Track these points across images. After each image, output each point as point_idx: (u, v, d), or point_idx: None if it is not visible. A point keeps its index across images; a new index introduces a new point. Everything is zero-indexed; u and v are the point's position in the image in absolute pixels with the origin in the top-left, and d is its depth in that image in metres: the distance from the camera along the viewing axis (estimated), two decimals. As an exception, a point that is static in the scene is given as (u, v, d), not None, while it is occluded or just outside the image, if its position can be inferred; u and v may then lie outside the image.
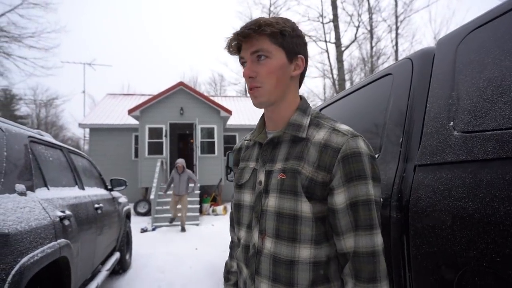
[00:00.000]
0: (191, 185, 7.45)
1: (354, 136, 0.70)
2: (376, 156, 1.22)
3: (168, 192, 7.70)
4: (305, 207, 0.69)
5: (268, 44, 0.71)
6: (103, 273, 2.73)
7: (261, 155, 0.79)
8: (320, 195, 0.70)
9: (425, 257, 0.87)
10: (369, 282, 0.64)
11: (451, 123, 0.91)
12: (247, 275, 0.78)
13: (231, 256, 0.99)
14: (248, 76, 0.73)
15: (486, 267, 0.69)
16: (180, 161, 7.39)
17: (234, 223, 0.88)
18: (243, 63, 0.76)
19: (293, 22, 0.76)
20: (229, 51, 0.77)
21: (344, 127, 0.73)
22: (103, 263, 2.99)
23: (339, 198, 0.67)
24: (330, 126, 0.73)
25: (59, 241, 1.62)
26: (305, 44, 0.78)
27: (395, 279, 0.99)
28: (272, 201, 0.73)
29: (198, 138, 10.77)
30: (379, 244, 0.66)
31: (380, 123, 1.29)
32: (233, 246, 0.98)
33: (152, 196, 8.31)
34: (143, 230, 7.19)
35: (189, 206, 8.67)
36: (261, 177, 0.77)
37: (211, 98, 12.54)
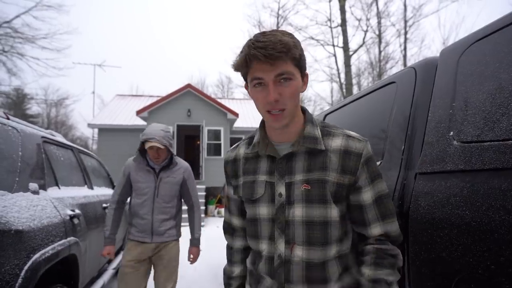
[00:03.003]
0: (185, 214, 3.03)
1: (366, 140, 0.79)
2: (379, 163, 1.25)
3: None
4: (334, 212, 0.76)
5: (292, 66, 0.72)
6: (110, 271, 2.78)
7: (277, 168, 0.80)
8: (345, 196, 0.78)
9: (423, 263, 0.89)
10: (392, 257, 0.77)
11: (451, 132, 0.93)
12: (273, 285, 0.80)
13: (230, 262, 1.00)
14: (275, 100, 0.71)
15: (481, 274, 0.71)
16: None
17: (250, 237, 0.88)
18: (257, 84, 0.73)
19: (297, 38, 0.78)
20: (243, 70, 0.75)
21: (353, 133, 0.81)
22: (109, 261, 3.04)
23: (367, 195, 0.77)
24: (342, 133, 0.80)
25: (68, 239, 1.67)
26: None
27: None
28: (298, 211, 0.76)
29: (204, 140, 10.84)
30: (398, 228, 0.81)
31: (383, 130, 1.31)
32: (232, 253, 1.00)
33: (158, 197, 8.38)
34: (149, 230, 7.24)
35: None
36: (281, 189, 0.79)
37: (218, 100, 12.64)
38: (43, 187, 1.68)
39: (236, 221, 0.98)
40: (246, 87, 0.81)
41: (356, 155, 0.76)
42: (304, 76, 0.78)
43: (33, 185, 1.55)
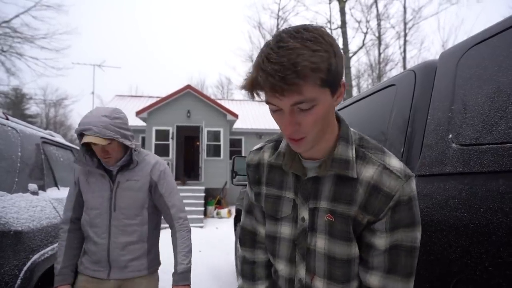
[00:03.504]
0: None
1: (408, 178, 0.63)
2: (378, 165, 1.25)
3: None
4: (357, 250, 0.68)
5: (315, 90, 0.55)
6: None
7: (301, 190, 0.72)
8: (359, 231, 0.67)
9: (422, 265, 0.89)
10: None
11: (450, 135, 0.94)
12: None
13: (252, 279, 0.90)
14: (292, 132, 0.59)
15: (479, 276, 0.71)
16: None
17: (269, 253, 0.83)
18: (272, 109, 0.61)
19: (332, 37, 0.58)
20: (252, 94, 0.60)
21: (396, 163, 0.65)
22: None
23: (380, 242, 0.64)
24: (379, 162, 0.65)
25: (68, 239, 1.67)
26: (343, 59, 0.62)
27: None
28: (321, 243, 0.70)
29: (204, 141, 10.85)
30: None
31: (383, 133, 1.32)
32: (254, 268, 0.90)
33: (157, 198, 8.38)
34: (148, 231, 7.24)
35: (193, 208, 8.73)
36: (304, 213, 0.72)
37: (218, 101, 12.64)
38: (43, 187, 1.68)
39: (262, 230, 0.87)
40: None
41: (385, 196, 0.62)
42: (338, 89, 0.61)
43: (33, 186, 1.55)
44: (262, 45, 0.60)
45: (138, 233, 1.37)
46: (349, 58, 14.15)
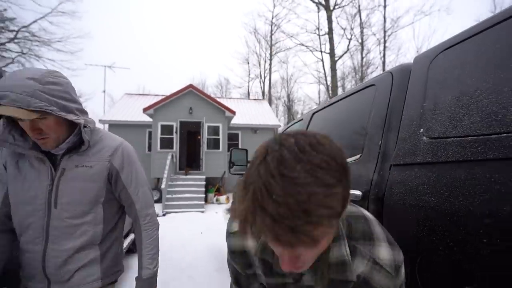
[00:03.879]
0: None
1: (397, 270, 0.54)
2: (359, 156, 1.27)
3: None
4: None
5: (322, 233, 0.39)
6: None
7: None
8: None
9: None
10: None
11: (422, 129, 0.96)
12: None
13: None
14: (290, 268, 0.45)
15: (442, 251, 0.74)
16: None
17: None
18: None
19: (343, 155, 0.41)
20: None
21: (385, 255, 0.54)
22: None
23: None
24: (369, 256, 0.54)
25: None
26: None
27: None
28: None
29: (205, 135, 10.81)
30: None
31: (364, 128, 1.33)
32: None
33: (163, 186, 8.37)
34: (155, 215, 7.25)
35: (195, 195, 8.75)
36: None
37: (217, 99, 12.58)
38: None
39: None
40: None
41: None
42: (345, 203, 0.42)
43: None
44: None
45: (88, 236, 0.94)
46: (335, 62, 14.12)
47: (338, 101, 1.80)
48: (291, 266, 0.44)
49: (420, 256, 0.81)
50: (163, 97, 11.63)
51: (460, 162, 0.75)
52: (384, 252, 0.55)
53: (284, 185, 0.36)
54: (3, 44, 14.85)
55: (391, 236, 0.60)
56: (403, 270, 0.55)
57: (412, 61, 1.21)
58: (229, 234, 0.65)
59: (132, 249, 3.85)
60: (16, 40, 15.09)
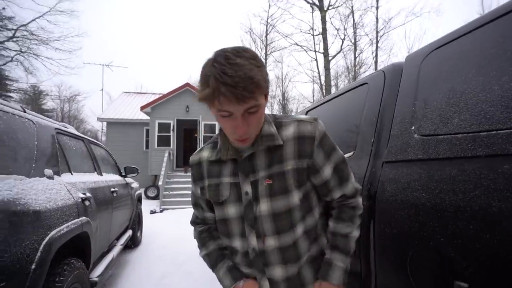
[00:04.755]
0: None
1: (316, 120, 0.74)
2: (352, 153, 1.27)
3: None
4: (296, 198, 0.72)
5: (261, 97, 0.64)
6: (118, 247, 2.77)
7: (241, 170, 0.74)
8: (306, 177, 0.74)
9: (387, 238, 0.92)
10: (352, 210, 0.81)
11: (413, 127, 0.96)
12: (253, 272, 0.77)
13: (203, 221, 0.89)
14: (244, 132, 0.65)
15: (432, 246, 0.74)
16: None
17: (222, 235, 0.82)
18: (223, 115, 0.64)
19: (258, 55, 0.66)
20: (209, 104, 0.64)
21: (303, 116, 0.76)
22: (118, 238, 3.02)
23: (327, 171, 0.75)
24: (293, 121, 0.75)
25: (81, 218, 1.65)
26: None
27: (363, 256, 1.04)
28: (264, 206, 0.72)
29: (201, 133, 10.75)
30: (358, 186, 0.81)
31: (356, 125, 1.33)
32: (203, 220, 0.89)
33: (160, 183, 8.32)
34: (152, 212, 7.22)
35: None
36: (247, 188, 0.73)
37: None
38: (57, 173, 1.64)
39: (209, 215, 0.87)
40: (210, 107, 0.68)
41: (310, 139, 0.72)
42: (267, 93, 0.69)
43: (48, 171, 1.52)
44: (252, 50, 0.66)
45: None
46: (328, 61, 14.12)
47: (331, 99, 1.80)
48: (245, 130, 0.64)
49: (411, 252, 0.82)
50: (160, 95, 11.52)
51: (451, 159, 0.75)
52: (302, 115, 0.77)
53: (234, 68, 0.58)
54: (2, 42, 14.56)
55: None
56: (321, 122, 0.75)
57: (404, 61, 1.21)
58: (192, 155, 0.86)
59: (130, 245, 3.82)
60: (14, 39, 14.79)
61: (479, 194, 0.65)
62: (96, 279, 1.96)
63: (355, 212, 0.80)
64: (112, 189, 2.65)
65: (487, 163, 0.65)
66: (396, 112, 1.08)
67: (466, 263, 0.66)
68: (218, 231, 0.83)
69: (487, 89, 0.73)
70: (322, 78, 15.77)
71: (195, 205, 0.89)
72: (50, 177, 1.52)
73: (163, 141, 10.57)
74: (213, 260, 0.83)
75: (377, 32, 17.10)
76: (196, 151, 0.87)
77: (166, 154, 9.49)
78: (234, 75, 0.57)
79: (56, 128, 1.86)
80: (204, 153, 0.83)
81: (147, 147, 11.94)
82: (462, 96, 0.80)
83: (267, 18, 18.60)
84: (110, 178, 2.87)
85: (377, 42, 17.24)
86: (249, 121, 0.65)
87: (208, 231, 0.87)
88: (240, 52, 0.61)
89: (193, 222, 0.92)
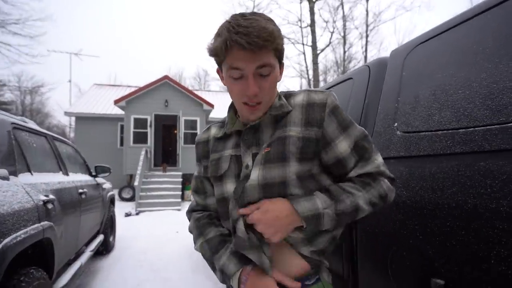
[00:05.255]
0: None
1: (330, 91, 0.69)
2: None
3: None
4: (293, 169, 0.63)
5: (273, 58, 0.62)
6: (87, 253, 2.68)
7: (243, 141, 0.70)
8: (314, 152, 0.65)
9: (369, 236, 0.95)
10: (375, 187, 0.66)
11: (396, 124, 0.99)
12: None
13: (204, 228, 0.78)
14: (254, 94, 0.62)
15: (412, 244, 0.77)
16: None
17: (222, 219, 0.76)
18: (235, 74, 0.62)
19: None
20: (221, 57, 0.62)
21: (316, 89, 0.72)
22: (87, 244, 2.93)
23: (342, 145, 0.65)
24: (304, 91, 0.71)
25: (42, 223, 1.58)
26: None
27: (346, 253, 1.07)
28: (254, 175, 0.64)
29: (181, 129, 10.60)
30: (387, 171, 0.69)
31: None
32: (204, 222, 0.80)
33: (136, 183, 8.14)
34: (127, 215, 7.05)
35: (172, 192, 8.59)
36: (248, 160, 0.67)
37: (195, 92, 12.35)
38: (14, 173, 1.56)
39: (211, 201, 0.80)
40: (219, 71, 0.69)
41: (320, 106, 0.66)
42: (281, 66, 0.68)
43: (2, 171, 1.44)
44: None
45: None
46: (317, 55, 14.29)
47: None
48: (256, 90, 0.61)
49: (391, 251, 0.84)
50: (137, 88, 11.23)
51: (430, 156, 0.78)
52: (315, 89, 0.73)
53: (247, 21, 0.59)
54: None
55: None
56: (334, 96, 0.69)
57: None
58: (198, 134, 0.85)
59: (101, 251, 3.72)
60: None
61: (456, 191, 0.67)
62: (60, 289, 1.89)
63: (375, 185, 0.65)
64: (80, 190, 2.55)
65: (464, 160, 0.68)
66: (380, 108, 1.11)
67: (443, 260, 0.69)
68: (219, 214, 0.76)
69: (466, 86, 0.76)
70: (310, 72, 15.96)
71: (196, 191, 0.84)
72: (5, 178, 1.44)
73: (140, 138, 10.33)
74: (213, 246, 0.72)
75: (367, 26, 17.49)
76: (204, 130, 0.85)
77: (143, 152, 9.28)
78: (248, 26, 0.58)
79: (13, 123, 1.77)
80: (212, 131, 0.82)
81: (121, 144, 11.62)
82: (443, 93, 0.83)
83: (253, 8, 18.53)
84: (78, 178, 2.77)
85: (367, 36, 17.63)
86: (260, 84, 0.62)
87: (209, 217, 0.79)
88: (256, 13, 0.63)
89: (190, 211, 0.86)
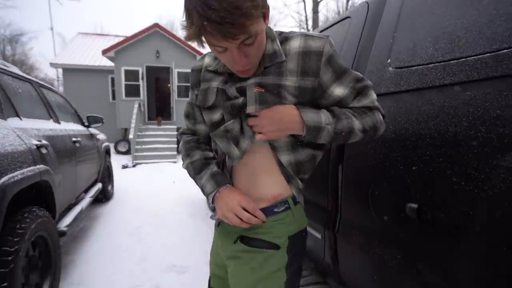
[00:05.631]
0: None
1: (327, 37, 0.67)
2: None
3: None
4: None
5: (256, 24, 0.56)
6: (87, 199, 2.80)
7: (232, 79, 0.70)
8: (308, 101, 0.67)
9: (352, 173, 0.99)
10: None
11: (389, 60, 0.96)
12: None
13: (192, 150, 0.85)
14: (242, 66, 0.61)
15: (392, 175, 0.81)
16: None
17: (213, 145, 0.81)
18: (218, 51, 0.60)
19: None
20: (198, 41, 0.58)
21: (313, 32, 0.69)
22: (86, 191, 3.04)
23: (338, 90, 0.66)
24: (300, 34, 0.68)
25: (38, 166, 1.61)
26: None
27: (331, 188, 1.13)
28: (251, 109, 0.66)
29: (175, 82, 10.32)
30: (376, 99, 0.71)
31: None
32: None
33: (131, 136, 8.17)
34: (124, 167, 7.21)
35: (167, 145, 8.69)
36: (233, 92, 0.69)
37: (188, 42, 11.71)
38: (2, 117, 1.55)
39: (200, 127, 0.86)
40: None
41: (317, 54, 0.64)
42: (267, 12, 0.61)
43: (-10, 114, 1.42)
44: None
45: None
46: (317, 3, 13.36)
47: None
48: (243, 63, 0.60)
49: (373, 183, 0.89)
50: (125, 38, 10.59)
51: (419, 90, 0.78)
52: (312, 32, 0.70)
53: (223, 5, 0.50)
54: None
55: None
56: (330, 42, 0.67)
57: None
58: (194, 62, 0.84)
59: (101, 199, 3.88)
60: None
61: (439, 121, 0.69)
62: (64, 228, 2.01)
63: (371, 115, 0.69)
64: (74, 139, 2.56)
65: (451, 91, 0.69)
66: (374, 46, 1.07)
67: (418, 187, 0.73)
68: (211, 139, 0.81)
69: (466, 14, 0.73)
70: (310, 22, 15.08)
71: (188, 115, 0.88)
72: (-6, 120, 1.42)
73: (132, 91, 10.08)
74: (197, 167, 0.79)
75: (372, -31, 16.06)
76: (199, 58, 0.85)
77: (136, 106, 9.14)
78: (219, 8, 0.50)
79: (-7, 66, 1.69)
80: (206, 60, 0.80)
81: (113, 98, 11.37)
82: (442, 23, 0.80)
83: None
84: (71, 127, 2.76)
85: (372, -19, 16.30)
86: (247, 52, 0.59)
87: (197, 141, 0.86)
88: None
89: (181, 133, 0.92)
